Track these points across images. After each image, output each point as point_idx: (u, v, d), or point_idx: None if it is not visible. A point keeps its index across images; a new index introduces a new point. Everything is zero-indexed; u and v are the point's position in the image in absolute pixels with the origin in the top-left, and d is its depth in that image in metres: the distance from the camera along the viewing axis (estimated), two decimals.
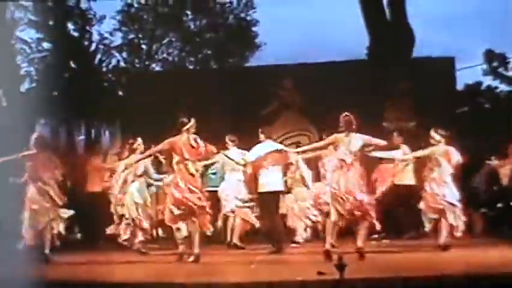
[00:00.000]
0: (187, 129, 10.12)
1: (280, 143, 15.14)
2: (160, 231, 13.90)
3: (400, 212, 12.47)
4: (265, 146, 11.42)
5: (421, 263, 9.16)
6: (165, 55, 19.49)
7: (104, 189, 12.90)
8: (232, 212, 12.18)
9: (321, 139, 12.29)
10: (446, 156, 10.79)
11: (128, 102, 17.26)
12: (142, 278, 8.15)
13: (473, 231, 12.97)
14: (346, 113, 10.09)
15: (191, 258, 9.85)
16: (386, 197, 12.41)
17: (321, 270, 7.50)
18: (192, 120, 10.21)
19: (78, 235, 13.92)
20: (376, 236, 11.86)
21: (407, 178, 12.52)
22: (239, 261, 10.12)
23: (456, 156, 10.78)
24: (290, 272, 8.24)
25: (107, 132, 16.36)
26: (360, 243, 9.63)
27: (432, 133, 11.03)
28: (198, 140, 10.10)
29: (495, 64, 18.86)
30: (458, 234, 10.56)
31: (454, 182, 10.76)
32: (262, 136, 11.52)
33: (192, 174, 10.00)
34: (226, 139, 12.23)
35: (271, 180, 11.26)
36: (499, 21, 19.20)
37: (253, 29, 19.86)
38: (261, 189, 11.35)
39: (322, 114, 14.79)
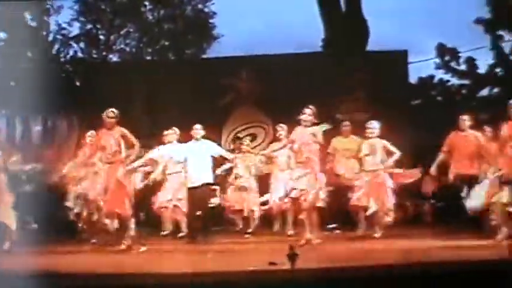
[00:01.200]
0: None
1: (236, 134, 15.47)
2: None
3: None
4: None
5: (368, 252, 9.47)
6: (122, 46, 19.44)
7: (61, 180, 12.96)
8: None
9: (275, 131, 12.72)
10: (384, 148, 11.32)
11: (85, 92, 17.27)
12: (92, 269, 8.11)
13: (423, 221, 13.30)
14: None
15: (142, 249, 10.07)
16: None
17: (272, 260, 7.63)
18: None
19: (35, 225, 13.87)
20: (330, 226, 12.23)
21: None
22: (192, 251, 10.35)
23: (391, 149, 11.36)
24: (242, 262, 8.37)
25: (64, 123, 16.30)
26: (308, 234, 10.11)
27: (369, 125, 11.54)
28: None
29: (447, 58, 19.14)
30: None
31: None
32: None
33: None
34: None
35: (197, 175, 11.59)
36: (451, 16, 19.53)
37: (211, 20, 19.91)
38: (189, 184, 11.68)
39: (278, 106, 15.00)
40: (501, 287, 6.86)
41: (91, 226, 11.60)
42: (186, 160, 11.81)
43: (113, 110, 10.76)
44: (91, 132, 11.96)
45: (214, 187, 12.15)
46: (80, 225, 12.11)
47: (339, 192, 11.91)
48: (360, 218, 11.67)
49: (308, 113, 10.44)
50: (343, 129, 12.88)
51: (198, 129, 11.85)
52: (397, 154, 11.42)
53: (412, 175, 12.04)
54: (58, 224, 12.76)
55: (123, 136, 10.69)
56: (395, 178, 11.49)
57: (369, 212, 11.29)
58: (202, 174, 11.58)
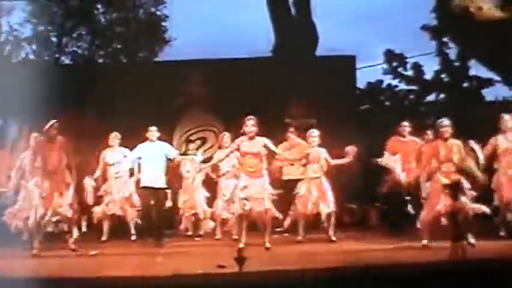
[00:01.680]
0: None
1: (187, 138, 15.61)
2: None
3: None
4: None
5: (317, 255, 9.71)
6: (75, 48, 19.46)
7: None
8: None
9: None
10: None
11: (36, 95, 17.19)
12: (40, 273, 8.14)
13: (369, 224, 13.59)
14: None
15: (92, 252, 10.23)
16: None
17: (221, 263, 7.86)
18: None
19: None
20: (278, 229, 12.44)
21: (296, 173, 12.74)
22: (142, 254, 10.44)
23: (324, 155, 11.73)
24: (191, 264, 8.52)
25: (15, 126, 16.20)
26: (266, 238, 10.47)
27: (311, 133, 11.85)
28: None
29: (395, 64, 19.48)
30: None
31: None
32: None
33: None
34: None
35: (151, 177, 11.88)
36: (399, 22, 19.92)
37: (163, 23, 20.03)
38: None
39: (228, 110, 15.16)
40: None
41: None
42: (140, 160, 12.09)
43: (52, 122, 10.91)
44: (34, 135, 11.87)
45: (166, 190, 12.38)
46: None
47: (286, 196, 12.06)
48: (300, 223, 11.80)
49: (251, 124, 10.58)
50: (288, 136, 13.01)
51: (153, 131, 12.08)
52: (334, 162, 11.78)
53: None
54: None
55: (63, 147, 10.93)
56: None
57: (323, 214, 11.50)
58: (155, 176, 11.86)
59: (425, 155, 10.74)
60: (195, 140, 15.43)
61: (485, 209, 10.03)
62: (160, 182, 11.92)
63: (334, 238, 11.49)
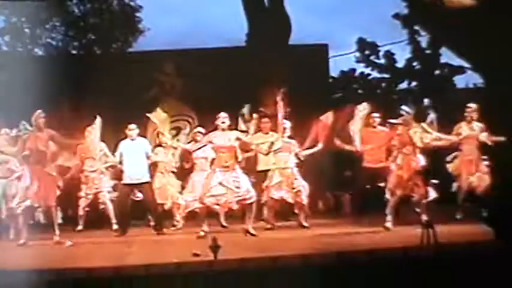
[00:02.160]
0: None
1: None
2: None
3: None
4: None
5: (290, 242, 9.89)
6: (48, 40, 19.40)
7: None
8: None
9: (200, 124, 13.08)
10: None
11: (10, 86, 17.15)
12: (17, 264, 8.13)
13: (341, 212, 13.76)
14: None
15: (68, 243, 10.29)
16: None
17: (196, 251, 7.90)
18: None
19: None
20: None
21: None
22: (116, 244, 10.55)
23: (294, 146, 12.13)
24: (166, 254, 8.59)
25: None
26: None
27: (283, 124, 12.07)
28: None
29: (367, 52, 19.65)
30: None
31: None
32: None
33: None
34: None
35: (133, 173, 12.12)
36: (371, 11, 20.09)
37: (137, 14, 20.00)
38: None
39: (202, 100, 15.24)
40: (414, 273, 7.32)
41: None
42: (121, 157, 12.28)
43: (40, 112, 11.12)
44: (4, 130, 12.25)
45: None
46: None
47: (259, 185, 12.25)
48: (271, 211, 12.10)
49: (223, 117, 10.95)
50: (263, 125, 13.13)
51: (133, 129, 12.35)
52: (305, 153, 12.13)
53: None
54: None
55: (52, 138, 11.13)
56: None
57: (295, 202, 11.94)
58: (138, 172, 12.09)
59: (395, 144, 11.19)
60: (170, 129, 15.41)
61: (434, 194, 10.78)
62: (143, 177, 12.15)
63: (306, 224, 11.81)
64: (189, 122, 15.77)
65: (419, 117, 11.47)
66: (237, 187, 10.68)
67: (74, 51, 19.04)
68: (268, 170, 12.21)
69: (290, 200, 11.90)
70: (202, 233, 10.63)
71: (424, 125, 11.22)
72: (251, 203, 10.74)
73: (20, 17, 19.41)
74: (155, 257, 8.34)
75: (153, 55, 17.09)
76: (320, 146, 12.09)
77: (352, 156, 12.59)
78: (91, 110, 13.82)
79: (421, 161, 10.88)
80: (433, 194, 10.84)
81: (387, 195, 11.03)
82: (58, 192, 11.05)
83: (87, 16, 19.36)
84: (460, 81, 19.11)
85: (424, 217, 10.06)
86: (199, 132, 12.47)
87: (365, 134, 12.12)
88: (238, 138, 11.00)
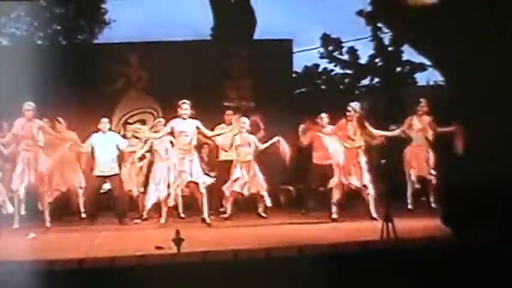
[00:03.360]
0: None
1: (125, 121, 15.67)
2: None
3: None
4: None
5: (250, 235, 10.07)
6: (13, 30, 19.26)
7: None
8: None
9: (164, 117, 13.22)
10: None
11: None
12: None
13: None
14: None
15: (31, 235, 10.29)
16: None
17: (159, 244, 8.07)
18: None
19: None
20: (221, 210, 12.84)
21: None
22: (82, 237, 10.51)
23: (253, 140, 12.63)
24: (130, 247, 8.65)
25: None
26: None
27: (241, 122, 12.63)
28: None
29: (331, 48, 19.78)
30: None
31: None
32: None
33: None
34: None
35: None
36: (335, 7, 20.14)
37: (103, 5, 19.92)
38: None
39: (166, 92, 15.25)
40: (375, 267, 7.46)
41: None
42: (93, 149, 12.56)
43: (30, 103, 11.70)
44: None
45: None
46: None
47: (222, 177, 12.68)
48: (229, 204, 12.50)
49: (185, 107, 11.60)
50: (226, 118, 13.49)
51: (104, 123, 12.65)
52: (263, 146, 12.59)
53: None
54: None
55: (41, 128, 11.66)
56: None
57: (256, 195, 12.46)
58: (108, 165, 12.38)
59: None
60: (134, 122, 15.46)
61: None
62: (113, 169, 12.43)
63: (264, 215, 12.38)
64: (153, 114, 15.79)
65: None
66: (192, 170, 11.38)
67: (39, 42, 18.89)
68: (230, 161, 12.61)
69: (246, 192, 12.35)
70: (163, 221, 11.41)
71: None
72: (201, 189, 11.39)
73: None
74: (119, 250, 8.40)
75: (118, 47, 17.01)
76: (276, 138, 12.49)
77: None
78: (56, 102, 13.87)
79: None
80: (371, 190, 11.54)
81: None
82: None
83: (52, 6, 19.19)
84: (422, 78, 19.37)
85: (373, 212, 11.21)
86: (159, 122, 12.85)
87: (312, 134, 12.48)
88: (197, 127, 11.63)
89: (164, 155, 12.39)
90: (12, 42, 19.04)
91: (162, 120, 12.80)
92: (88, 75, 15.62)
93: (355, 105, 11.97)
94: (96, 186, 12.51)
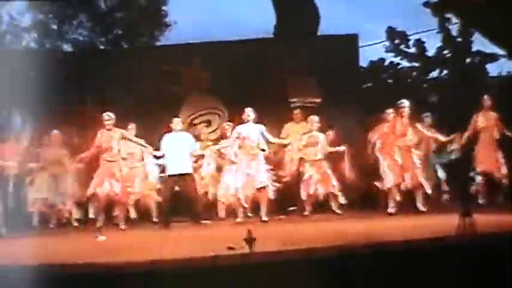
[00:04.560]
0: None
1: (191, 122, 15.55)
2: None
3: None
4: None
5: (324, 234, 9.64)
6: (75, 35, 19.44)
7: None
8: None
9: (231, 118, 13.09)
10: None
11: (39, 83, 17.11)
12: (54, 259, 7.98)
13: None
14: None
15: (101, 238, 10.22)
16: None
17: (230, 245, 7.78)
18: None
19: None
20: (292, 208, 12.99)
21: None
22: (154, 238, 10.41)
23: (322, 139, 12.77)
24: (202, 247, 8.45)
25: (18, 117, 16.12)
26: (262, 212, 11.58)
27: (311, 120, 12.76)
28: None
29: (397, 41, 19.42)
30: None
31: None
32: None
33: None
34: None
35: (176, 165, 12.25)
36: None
37: (164, 8, 19.97)
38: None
39: (231, 92, 15.12)
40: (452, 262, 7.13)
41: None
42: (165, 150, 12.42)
43: (109, 113, 11.85)
44: (54, 132, 13.00)
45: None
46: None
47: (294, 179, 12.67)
48: (308, 202, 12.54)
49: (248, 112, 12.09)
50: (294, 116, 13.58)
51: (177, 122, 12.62)
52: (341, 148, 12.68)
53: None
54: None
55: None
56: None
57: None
58: (182, 164, 12.25)
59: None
60: (199, 123, 15.37)
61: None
62: (185, 168, 12.29)
63: (339, 211, 12.38)
64: (218, 115, 15.65)
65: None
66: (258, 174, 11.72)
67: (101, 47, 19.02)
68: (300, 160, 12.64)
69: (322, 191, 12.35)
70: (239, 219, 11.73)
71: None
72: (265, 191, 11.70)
73: (47, 13, 19.43)
74: (190, 251, 8.21)
75: (181, 48, 16.94)
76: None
77: None
78: (119, 105, 13.83)
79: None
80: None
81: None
82: None
83: (113, 11, 19.35)
84: (493, 69, 18.82)
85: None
86: (227, 127, 13.14)
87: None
88: (262, 133, 12.04)
89: (233, 158, 12.36)
90: (74, 47, 19.20)
91: (231, 124, 13.01)
92: (151, 78, 15.56)
93: (405, 102, 11.96)
94: (169, 186, 12.37)
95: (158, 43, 19.50)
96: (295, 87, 15.89)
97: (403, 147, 11.71)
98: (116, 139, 11.83)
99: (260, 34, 17.50)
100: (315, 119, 12.65)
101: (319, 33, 17.58)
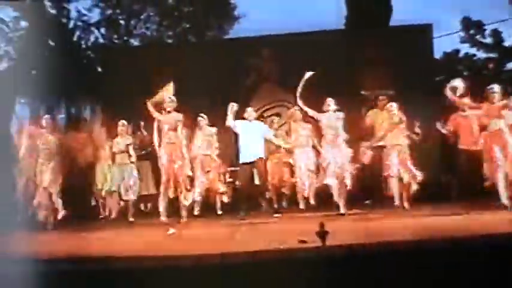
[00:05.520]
0: None
1: (261, 114, 15.33)
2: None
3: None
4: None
5: (398, 228, 9.25)
6: (143, 30, 19.49)
7: (90, 164, 13.40)
8: None
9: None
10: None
11: (107, 78, 17.18)
12: (130, 252, 7.98)
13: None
14: None
15: (171, 230, 9.99)
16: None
17: (302, 238, 7.55)
18: None
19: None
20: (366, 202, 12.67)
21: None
22: (221, 232, 10.24)
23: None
24: (272, 240, 8.16)
25: (87, 110, 16.29)
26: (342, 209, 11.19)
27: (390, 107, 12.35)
28: None
29: (472, 32, 18.97)
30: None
31: None
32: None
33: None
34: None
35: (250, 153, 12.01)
36: None
37: (232, 1, 19.88)
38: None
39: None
40: None
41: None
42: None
43: (171, 96, 11.82)
44: (122, 122, 12.93)
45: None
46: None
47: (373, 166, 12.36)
48: (391, 189, 12.02)
49: (333, 103, 11.91)
50: (380, 102, 13.36)
51: (250, 112, 12.42)
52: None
53: None
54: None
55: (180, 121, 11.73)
56: None
57: (405, 180, 11.84)
58: (255, 151, 11.99)
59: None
60: (269, 115, 15.17)
61: None
62: (259, 153, 12.06)
63: (406, 206, 11.80)
64: (288, 107, 15.39)
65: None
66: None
67: (169, 41, 19.03)
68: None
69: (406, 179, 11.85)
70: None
71: None
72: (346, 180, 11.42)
73: (114, 9, 19.56)
74: (261, 244, 7.93)
75: (250, 41, 16.80)
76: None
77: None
78: (189, 98, 13.70)
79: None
80: None
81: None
82: None
83: (181, 5, 19.38)
84: None
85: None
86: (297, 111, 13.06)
87: (454, 120, 12.18)
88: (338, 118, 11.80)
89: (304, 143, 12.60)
90: (142, 42, 19.29)
91: (297, 108, 12.86)
92: (220, 71, 15.44)
93: (495, 87, 11.17)
94: (244, 175, 12.15)
95: (226, 36, 19.39)
96: (367, 80, 15.55)
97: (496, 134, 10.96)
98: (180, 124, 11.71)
99: (330, 26, 17.25)
100: (393, 106, 12.32)
101: (392, 23, 17.20)
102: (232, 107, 11.92)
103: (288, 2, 21.94)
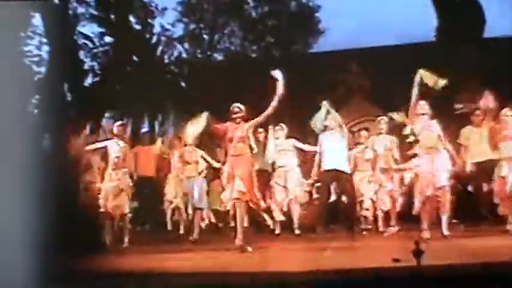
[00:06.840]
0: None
1: (349, 129, 14.96)
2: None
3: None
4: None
5: (496, 248, 8.71)
6: (226, 44, 19.55)
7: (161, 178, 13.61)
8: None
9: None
10: None
11: (191, 93, 17.22)
12: (199, 269, 7.93)
13: None
14: None
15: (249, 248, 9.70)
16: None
17: (395, 257, 7.24)
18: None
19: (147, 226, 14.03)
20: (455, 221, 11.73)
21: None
22: (310, 248, 9.93)
23: None
24: (363, 259, 8.04)
25: (171, 124, 16.22)
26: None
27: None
28: None
29: None
30: None
31: None
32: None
33: None
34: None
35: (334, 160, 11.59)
36: None
37: (316, 14, 19.81)
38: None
39: (390, 99, 14.49)
40: None
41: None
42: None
43: (238, 105, 10.89)
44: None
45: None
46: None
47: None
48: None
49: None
50: (474, 118, 12.82)
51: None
52: None
53: None
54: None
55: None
56: None
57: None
58: (340, 160, 11.54)
59: None
60: (358, 130, 14.81)
61: None
62: (344, 166, 11.58)
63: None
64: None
65: None
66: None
67: (253, 55, 18.99)
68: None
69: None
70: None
71: None
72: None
73: (198, 23, 19.70)
74: (351, 262, 7.73)
75: (336, 55, 16.55)
76: None
77: None
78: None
79: None
80: None
81: None
82: None
83: (264, 19, 19.38)
84: None
85: None
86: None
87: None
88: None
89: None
90: (226, 57, 19.31)
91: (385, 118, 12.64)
92: (306, 86, 15.14)
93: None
94: (325, 184, 11.65)
95: (311, 50, 19.26)
96: (458, 92, 15.06)
97: None
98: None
99: (418, 38, 16.84)
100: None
101: (485, 35, 16.67)
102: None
103: (372, 16, 21.66)
